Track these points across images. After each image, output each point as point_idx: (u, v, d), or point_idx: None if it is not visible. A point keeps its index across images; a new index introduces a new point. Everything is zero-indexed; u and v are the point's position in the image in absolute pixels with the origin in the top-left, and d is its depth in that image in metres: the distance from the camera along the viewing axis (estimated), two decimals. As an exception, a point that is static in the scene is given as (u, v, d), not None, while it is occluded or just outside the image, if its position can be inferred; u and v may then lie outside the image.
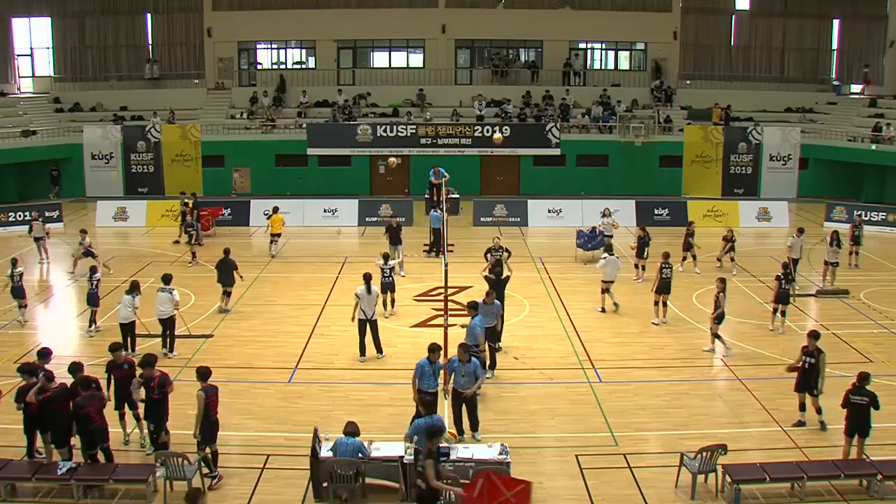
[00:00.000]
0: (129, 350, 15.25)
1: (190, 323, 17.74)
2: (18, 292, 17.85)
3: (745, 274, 22.18)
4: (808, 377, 12.79)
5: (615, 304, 18.89)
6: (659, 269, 17.80)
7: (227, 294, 18.80)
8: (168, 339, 15.96)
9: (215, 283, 19.10)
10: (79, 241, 22.11)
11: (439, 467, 9.45)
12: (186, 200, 25.90)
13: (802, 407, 12.95)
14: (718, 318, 15.96)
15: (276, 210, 25.10)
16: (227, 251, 19.21)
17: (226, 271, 18.71)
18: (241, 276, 18.99)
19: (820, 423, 12.77)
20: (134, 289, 15.68)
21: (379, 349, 15.78)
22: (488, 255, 18.83)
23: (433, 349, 12.09)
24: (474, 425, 12.24)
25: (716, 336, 16.21)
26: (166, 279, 16.17)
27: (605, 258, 18.93)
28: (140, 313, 15.89)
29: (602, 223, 24.19)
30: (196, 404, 10.94)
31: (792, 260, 20.95)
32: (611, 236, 24.09)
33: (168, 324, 15.86)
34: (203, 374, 11.19)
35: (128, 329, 15.57)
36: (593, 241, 23.76)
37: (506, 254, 18.46)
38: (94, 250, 22.09)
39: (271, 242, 24.37)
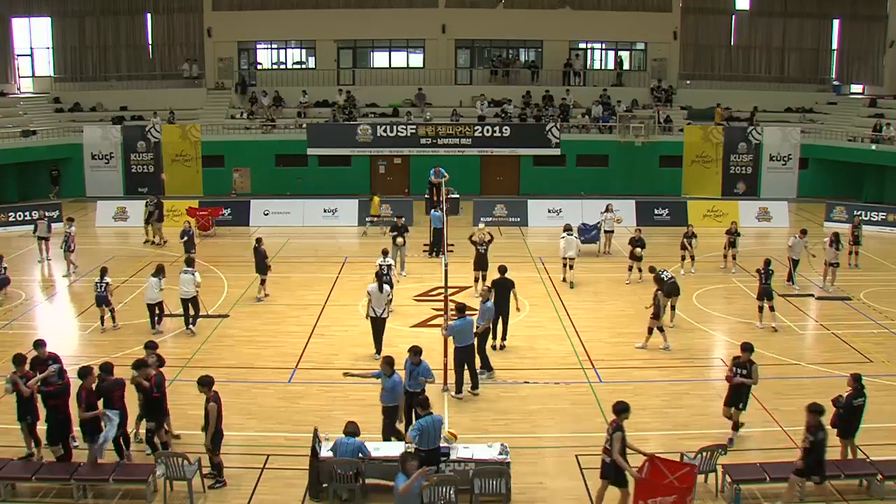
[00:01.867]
0: (156, 327, 17.23)
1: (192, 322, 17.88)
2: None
3: (744, 274, 22.16)
4: (739, 391, 12.25)
5: (571, 282, 20.81)
6: (656, 280, 17.71)
7: (261, 282, 19.69)
8: (192, 317, 17.34)
9: (215, 282, 19.18)
10: (66, 230, 22.37)
11: (627, 442, 9.85)
12: (153, 201, 26.08)
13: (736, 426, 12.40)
14: (656, 314, 16.18)
15: (374, 194, 27.95)
16: (258, 241, 19.91)
17: (258, 260, 19.54)
18: (269, 266, 19.86)
19: (729, 439, 12.19)
20: (160, 272, 17.34)
21: (378, 349, 15.81)
22: (470, 240, 20.32)
23: (411, 350, 12.34)
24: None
25: (658, 330, 16.37)
26: (189, 262, 17.91)
27: (563, 237, 20.95)
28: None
29: (604, 218, 24.28)
30: (209, 417, 10.77)
31: (792, 261, 21.00)
32: (611, 231, 24.21)
33: (191, 303, 17.26)
34: (207, 382, 10.95)
35: (156, 307, 17.25)
36: (587, 233, 24.04)
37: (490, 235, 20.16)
38: (74, 244, 22.17)
39: (371, 223, 27.34)
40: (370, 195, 28.47)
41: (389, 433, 11.74)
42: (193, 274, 17.31)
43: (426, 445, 10.37)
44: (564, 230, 21.39)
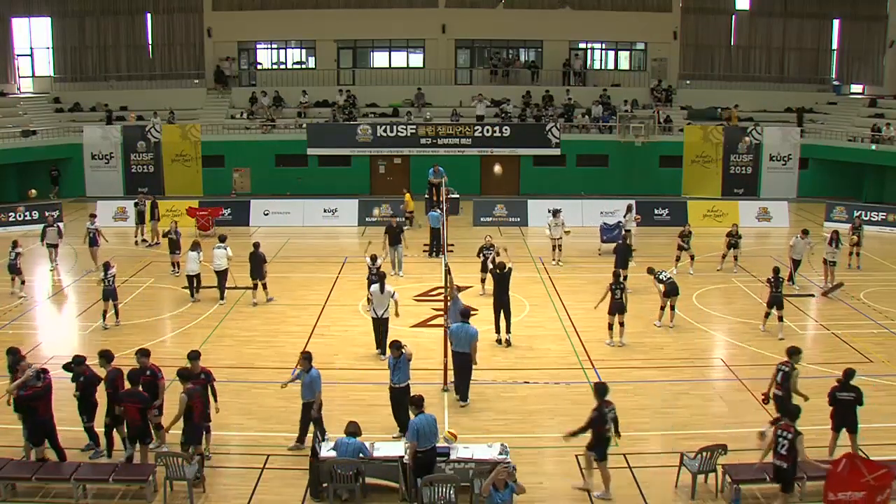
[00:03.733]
0: (195, 294, 19.45)
1: (192, 321, 17.98)
2: (14, 269, 19.92)
3: (745, 274, 22.18)
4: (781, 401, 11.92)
5: (559, 260, 23.01)
6: (654, 281, 17.76)
7: (261, 287, 19.40)
8: (221, 288, 19.37)
9: (214, 282, 19.18)
10: (87, 225, 22.79)
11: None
12: (145, 200, 26.09)
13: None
14: (611, 310, 16.45)
15: (407, 191, 28.32)
16: (256, 245, 19.77)
17: (256, 265, 19.26)
18: (266, 271, 19.50)
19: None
20: (196, 246, 19.38)
21: (383, 350, 15.83)
22: (481, 255, 19.90)
23: (391, 346, 12.54)
24: (321, 435, 11.75)
25: (610, 326, 16.56)
26: (222, 238, 19.90)
27: (551, 221, 23.07)
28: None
29: (627, 219, 24.76)
30: (180, 405, 10.98)
31: (793, 260, 20.99)
32: (629, 231, 24.41)
33: (222, 275, 19.27)
34: (185, 375, 11.27)
35: (195, 279, 19.37)
36: (609, 233, 24.38)
37: (496, 252, 19.35)
38: (100, 238, 22.67)
39: (408, 219, 27.33)
40: (404, 193, 28.38)
41: (307, 428, 11.90)
42: (226, 248, 19.44)
43: (422, 446, 10.34)
44: (552, 214, 23.32)
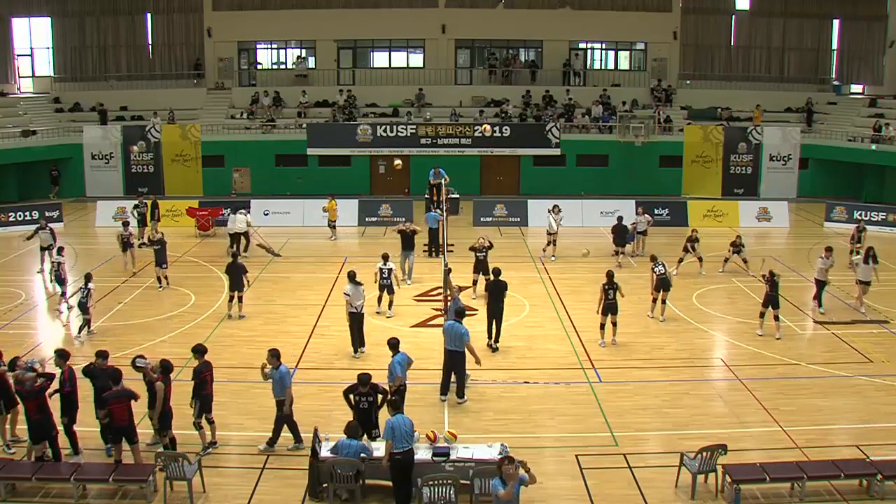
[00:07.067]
0: (243, 251, 23.28)
1: (191, 322, 17.98)
2: (61, 280, 18.61)
3: (745, 274, 22.16)
4: None
5: (553, 255, 23.51)
6: (651, 269, 17.80)
7: (238, 300, 18.32)
8: (245, 247, 23.35)
9: (215, 282, 19.12)
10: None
11: None
12: (145, 202, 25.98)
13: None
14: (604, 311, 16.41)
15: (332, 198, 27.55)
16: (234, 255, 19.37)
17: (235, 276, 18.21)
18: (248, 281, 18.59)
19: None
20: (238, 209, 24.38)
21: (361, 343, 15.94)
22: (473, 254, 19.94)
23: (389, 344, 12.63)
24: (295, 437, 11.98)
25: (610, 325, 16.50)
26: (247, 206, 25.64)
27: (550, 216, 23.85)
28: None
29: (636, 220, 24.64)
30: (156, 395, 11.28)
31: (817, 282, 19.03)
32: (643, 232, 24.39)
33: (243, 236, 23.51)
34: (167, 367, 11.63)
35: (235, 238, 23.49)
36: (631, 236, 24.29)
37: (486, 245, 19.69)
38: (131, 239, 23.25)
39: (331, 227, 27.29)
40: (330, 198, 27.34)
41: (282, 426, 11.95)
42: (246, 214, 24.06)
43: (398, 446, 10.27)
44: (553, 210, 24.01)
